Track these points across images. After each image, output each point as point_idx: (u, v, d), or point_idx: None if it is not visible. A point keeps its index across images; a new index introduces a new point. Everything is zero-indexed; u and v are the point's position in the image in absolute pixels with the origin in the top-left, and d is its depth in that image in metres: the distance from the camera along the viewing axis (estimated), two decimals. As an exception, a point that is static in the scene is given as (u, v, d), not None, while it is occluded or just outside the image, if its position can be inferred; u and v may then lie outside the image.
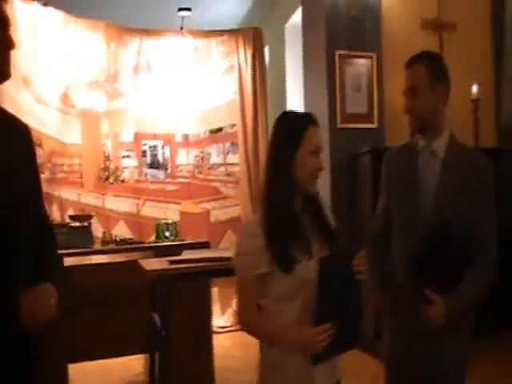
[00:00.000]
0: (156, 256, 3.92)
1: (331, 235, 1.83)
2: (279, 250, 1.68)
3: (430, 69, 2.14)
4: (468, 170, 2.09)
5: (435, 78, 2.14)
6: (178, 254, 3.43)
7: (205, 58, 5.90)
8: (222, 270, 2.83)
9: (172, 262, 2.97)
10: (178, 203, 5.73)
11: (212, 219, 5.77)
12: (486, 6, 5.53)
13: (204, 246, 4.31)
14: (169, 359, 3.26)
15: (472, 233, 2.07)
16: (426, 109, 2.13)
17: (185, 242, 4.40)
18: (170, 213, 5.64)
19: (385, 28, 5.07)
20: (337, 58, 4.93)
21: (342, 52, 4.94)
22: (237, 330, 5.33)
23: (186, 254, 3.14)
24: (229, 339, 5.10)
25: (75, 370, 3.90)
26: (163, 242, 4.48)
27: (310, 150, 1.76)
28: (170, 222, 4.66)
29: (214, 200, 5.81)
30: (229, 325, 5.49)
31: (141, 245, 4.38)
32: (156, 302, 3.37)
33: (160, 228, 4.60)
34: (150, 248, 4.26)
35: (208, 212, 5.77)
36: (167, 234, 4.58)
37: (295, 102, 6.30)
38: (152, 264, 3.02)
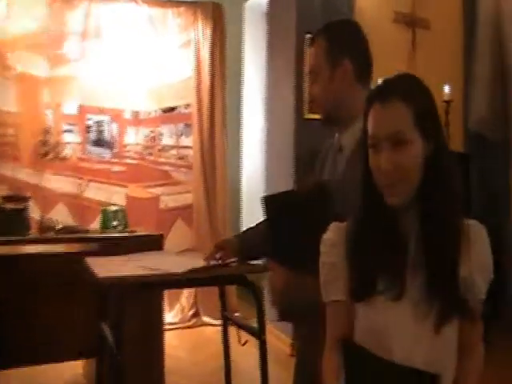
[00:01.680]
0: (103, 250, 3.51)
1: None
2: (359, 268, 1.29)
3: (328, 45, 1.77)
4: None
5: (334, 55, 1.75)
6: (129, 249, 3.08)
7: (160, 30, 5.42)
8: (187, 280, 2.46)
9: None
10: (125, 186, 5.27)
11: (161, 206, 5.35)
12: (458, 3, 5.31)
13: (157, 240, 3.90)
14: (117, 368, 2.88)
15: None
16: (326, 96, 1.76)
17: (136, 235, 3.96)
18: (116, 196, 5.18)
19: (357, 16, 4.76)
20: (306, 42, 4.57)
21: (312, 36, 4.58)
22: (186, 328, 5.01)
23: (143, 259, 2.70)
24: (177, 338, 4.73)
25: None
26: (110, 232, 4.00)
27: (369, 142, 1.29)
28: (118, 208, 4.17)
29: (164, 185, 5.37)
30: (177, 321, 5.10)
31: (86, 235, 3.89)
32: (103, 307, 2.95)
33: (106, 215, 4.10)
34: (95, 240, 3.79)
35: (157, 198, 5.34)
36: (115, 223, 4.09)
37: (253, 87, 5.90)
38: (103, 266, 2.57)
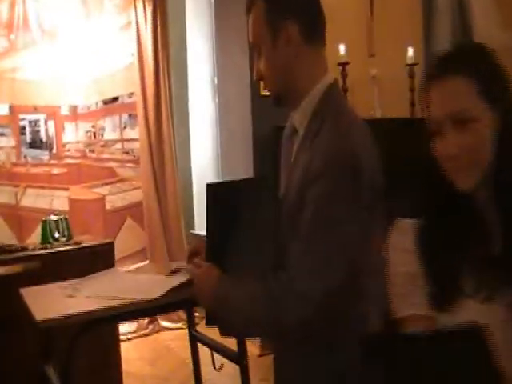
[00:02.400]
0: (45, 269, 3.16)
1: None
2: (440, 272, 1.12)
3: (265, 7, 1.45)
4: (313, 154, 1.36)
5: (274, 18, 1.44)
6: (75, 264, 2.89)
7: (95, 12, 4.92)
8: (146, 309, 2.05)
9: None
10: (67, 189, 4.80)
11: (108, 206, 4.89)
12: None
13: (106, 250, 3.48)
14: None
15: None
16: (271, 70, 1.47)
17: (81, 246, 3.51)
18: (57, 201, 4.72)
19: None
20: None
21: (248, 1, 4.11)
22: (143, 336, 4.56)
23: (95, 284, 2.21)
24: (135, 349, 4.28)
25: None
26: (52, 246, 3.53)
27: (430, 127, 1.14)
28: (59, 217, 3.69)
29: (110, 183, 4.91)
30: (134, 329, 4.66)
31: (24, 253, 3.41)
32: (47, 347, 2.47)
33: (47, 227, 3.63)
34: (35, 257, 3.34)
35: (103, 198, 4.88)
36: (56, 234, 3.62)
37: (199, 67, 5.43)
38: (43, 301, 2.09)
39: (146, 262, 4.72)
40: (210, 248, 1.46)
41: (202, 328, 2.40)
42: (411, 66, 4.34)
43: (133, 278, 2.22)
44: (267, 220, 1.44)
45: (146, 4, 4.96)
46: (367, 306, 1.36)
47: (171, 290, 1.89)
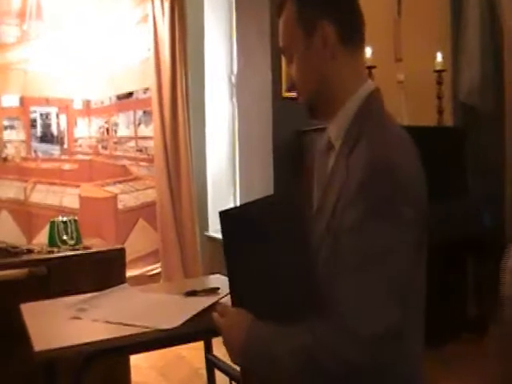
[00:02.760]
0: (51, 275, 3.04)
1: None
2: None
3: (298, 7, 1.28)
4: (349, 173, 1.18)
5: (307, 18, 1.27)
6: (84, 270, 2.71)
7: (111, 5, 4.78)
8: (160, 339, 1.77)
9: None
10: (78, 186, 4.64)
11: (120, 206, 4.74)
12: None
13: (117, 256, 3.33)
14: None
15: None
16: (304, 76, 1.30)
17: (91, 252, 3.36)
18: (68, 198, 4.58)
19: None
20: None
21: (279, 2, 3.96)
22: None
23: (104, 305, 1.95)
24: (145, 357, 4.09)
25: None
26: (59, 250, 3.38)
27: None
28: (68, 219, 3.54)
29: (123, 182, 4.76)
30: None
31: (28, 257, 3.27)
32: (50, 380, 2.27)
33: (55, 228, 3.48)
34: (41, 261, 3.19)
35: (115, 197, 4.73)
36: (65, 237, 3.47)
37: (216, 64, 5.27)
38: (44, 325, 1.86)
39: (158, 264, 4.59)
40: (234, 289, 1.27)
41: (218, 349, 2.22)
42: (439, 72, 4.19)
43: (146, 299, 2.00)
44: (297, 246, 1.22)
45: (164, -3, 4.81)
46: (414, 346, 1.21)
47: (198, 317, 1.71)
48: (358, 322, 1.08)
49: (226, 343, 1.24)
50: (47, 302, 2.07)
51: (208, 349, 2.51)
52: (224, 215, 1.21)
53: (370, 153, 1.14)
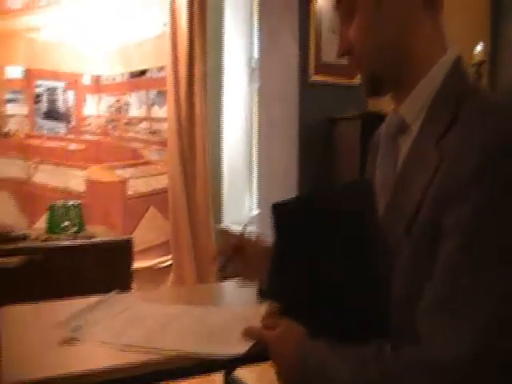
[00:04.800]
0: (49, 264, 2.73)
1: None
2: None
3: None
4: (456, 160, 0.88)
5: None
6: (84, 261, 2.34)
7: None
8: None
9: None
10: (85, 168, 4.33)
11: (130, 191, 4.42)
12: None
13: (123, 247, 3.05)
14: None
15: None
16: (373, 40, 1.01)
17: (93, 242, 3.07)
18: (74, 181, 4.26)
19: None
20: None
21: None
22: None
23: (104, 317, 1.39)
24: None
25: None
26: (59, 237, 3.09)
27: None
28: (70, 203, 3.26)
29: (133, 166, 4.43)
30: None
31: (23, 244, 2.96)
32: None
33: (55, 213, 3.18)
34: (37, 249, 2.90)
35: (124, 182, 4.40)
36: (66, 223, 3.18)
37: (237, 44, 4.97)
38: (24, 343, 1.27)
39: (169, 256, 4.29)
40: (284, 297, 1.06)
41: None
42: (479, 64, 3.91)
43: (166, 313, 1.41)
44: (366, 252, 0.99)
45: (184, -30, 4.48)
46: None
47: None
48: (444, 351, 0.82)
49: (275, 361, 1.02)
50: (34, 307, 1.56)
51: (229, 369, 1.95)
52: (278, 208, 1.02)
53: (483, 130, 0.86)
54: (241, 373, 1.79)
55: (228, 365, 1.43)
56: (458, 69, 0.99)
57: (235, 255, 1.31)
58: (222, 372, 1.99)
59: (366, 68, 1.04)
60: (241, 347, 1.12)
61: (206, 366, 1.18)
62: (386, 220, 0.99)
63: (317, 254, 1.00)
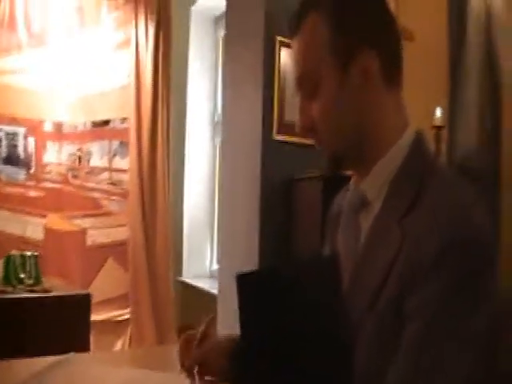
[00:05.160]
0: (3, 321, 2.66)
1: None
2: None
3: (334, 27, 1.01)
4: (418, 244, 0.89)
5: (345, 44, 1.00)
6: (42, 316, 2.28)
7: (91, 25, 4.46)
8: None
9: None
10: (44, 216, 4.24)
11: (89, 242, 4.34)
12: (443, 14, 4.61)
13: (81, 302, 3.00)
14: None
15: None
16: (335, 118, 1.03)
17: (51, 295, 3.00)
18: (31, 228, 4.16)
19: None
20: (277, 47, 3.71)
21: (284, 39, 3.72)
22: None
23: None
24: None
25: None
26: (14, 290, 3.00)
27: None
28: (28, 254, 3.19)
29: (93, 216, 4.36)
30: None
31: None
32: None
33: (10, 264, 3.11)
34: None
35: (83, 231, 4.32)
36: (22, 275, 3.11)
37: (199, 99, 5.02)
38: None
39: (127, 309, 4.21)
40: (249, 367, 1.02)
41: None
42: (438, 128, 4.03)
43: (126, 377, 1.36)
44: (331, 324, 1.00)
45: (149, 21, 4.53)
46: None
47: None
48: None
49: None
50: None
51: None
52: (242, 279, 0.98)
53: (444, 215, 0.89)
54: None
55: None
56: (418, 147, 1.01)
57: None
58: None
59: (328, 146, 1.06)
60: None
61: None
62: (348, 294, 0.98)
63: (280, 324, 0.98)
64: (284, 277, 0.99)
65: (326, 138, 1.04)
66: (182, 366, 1.22)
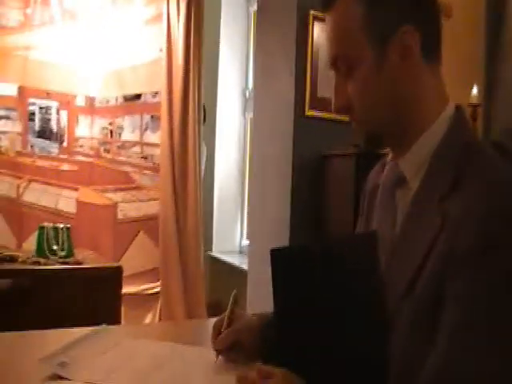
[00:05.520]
0: (35, 289, 2.65)
1: None
2: None
3: (368, 10, 0.97)
4: (461, 229, 0.86)
5: (385, 24, 0.97)
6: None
7: (123, 1, 4.45)
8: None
9: None
10: (76, 189, 4.28)
11: (120, 215, 4.36)
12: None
13: (113, 276, 3.02)
14: None
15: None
16: (372, 99, 1.00)
17: (82, 267, 3.03)
18: (64, 202, 4.20)
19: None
20: (310, 21, 3.66)
21: (317, 13, 3.66)
22: None
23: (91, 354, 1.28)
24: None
25: None
26: (47, 262, 3.04)
27: None
28: (60, 226, 3.22)
29: (124, 190, 4.37)
30: None
31: (11, 266, 2.92)
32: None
33: (44, 236, 3.14)
34: (25, 272, 2.87)
35: (115, 205, 4.34)
36: (55, 247, 3.14)
37: (231, 75, 5.00)
38: None
39: (158, 283, 4.25)
40: (281, 345, 1.01)
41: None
42: (475, 106, 3.93)
43: (155, 351, 1.34)
44: (367, 306, 0.97)
45: (180, -4, 4.49)
46: None
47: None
48: None
49: None
50: (17, 337, 1.45)
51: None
52: (277, 254, 0.98)
53: (487, 196, 0.86)
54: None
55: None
56: (459, 123, 0.99)
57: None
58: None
59: (365, 125, 1.04)
60: None
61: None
62: (385, 275, 0.97)
63: (314, 302, 0.98)
64: (319, 253, 0.99)
65: (363, 117, 1.02)
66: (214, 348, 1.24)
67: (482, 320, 0.83)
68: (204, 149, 4.56)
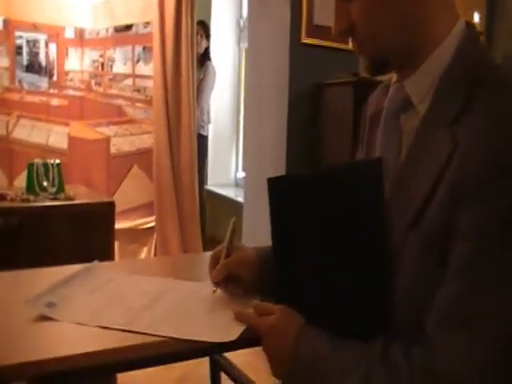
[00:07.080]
0: (25, 230, 2.64)
1: None
2: None
3: None
4: (474, 155, 0.79)
5: None
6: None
7: None
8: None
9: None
10: (67, 124, 4.20)
11: (113, 150, 4.28)
12: None
13: (105, 211, 2.95)
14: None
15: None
16: (378, 24, 0.92)
17: (73, 203, 2.97)
18: (55, 137, 4.13)
19: None
20: None
21: None
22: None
23: (80, 292, 1.24)
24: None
25: None
26: (36, 198, 2.97)
27: None
28: (50, 162, 3.14)
29: (117, 123, 4.28)
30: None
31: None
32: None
33: (33, 172, 3.06)
34: (15, 209, 2.80)
35: (107, 139, 4.26)
36: (45, 183, 3.07)
37: (225, 3, 4.83)
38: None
39: (152, 217, 4.20)
40: (280, 280, 0.99)
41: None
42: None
43: (146, 288, 1.29)
44: (369, 239, 0.91)
45: None
46: None
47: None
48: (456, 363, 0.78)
49: (268, 351, 0.95)
50: (5, 276, 1.40)
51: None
52: (274, 183, 0.94)
53: (504, 131, 0.79)
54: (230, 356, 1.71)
55: (216, 350, 1.34)
56: (470, 39, 0.91)
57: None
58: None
59: (370, 50, 0.95)
60: (231, 332, 1.01)
61: (193, 351, 1.05)
62: (390, 204, 0.90)
63: (314, 233, 0.93)
64: (319, 182, 0.94)
65: (368, 41, 0.94)
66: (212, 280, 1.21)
67: (496, 254, 0.78)
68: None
